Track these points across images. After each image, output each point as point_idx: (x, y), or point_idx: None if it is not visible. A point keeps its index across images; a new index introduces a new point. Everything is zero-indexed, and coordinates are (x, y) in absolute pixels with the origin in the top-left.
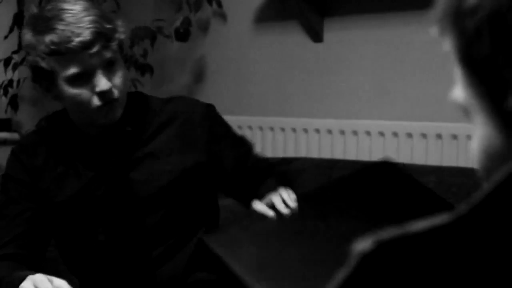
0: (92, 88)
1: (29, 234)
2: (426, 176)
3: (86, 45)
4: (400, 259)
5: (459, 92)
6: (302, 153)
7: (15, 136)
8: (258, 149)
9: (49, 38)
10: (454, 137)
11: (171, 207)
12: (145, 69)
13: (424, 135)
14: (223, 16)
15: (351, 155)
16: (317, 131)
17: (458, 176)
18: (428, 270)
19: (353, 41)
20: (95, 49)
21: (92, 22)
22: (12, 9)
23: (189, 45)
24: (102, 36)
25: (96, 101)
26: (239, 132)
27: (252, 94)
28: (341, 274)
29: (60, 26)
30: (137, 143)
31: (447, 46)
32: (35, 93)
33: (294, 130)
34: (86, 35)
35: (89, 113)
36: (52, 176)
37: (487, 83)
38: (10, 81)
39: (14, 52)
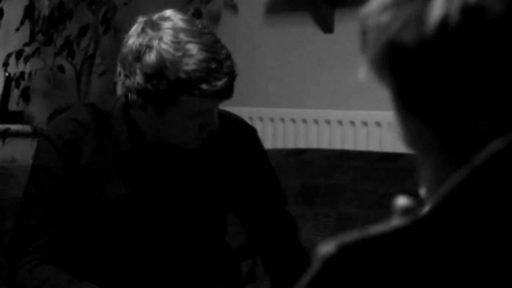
0: (201, 123)
1: (59, 237)
2: None
3: (225, 92)
4: (361, 262)
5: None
6: (313, 144)
7: (27, 128)
8: (269, 140)
9: (189, 78)
10: None
11: (202, 224)
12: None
13: None
14: (234, 8)
15: (362, 146)
16: (328, 122)
17: None
18: (388, 272)
19: None
20: (228, 96)
21: (230, 67)
22: (23, 1)
23: None
24: (233, 81)
25: (198, 134)
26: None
27: (263, 85)
28: (305, 278)
29: (202, 68)
30: (195, 164)
31: (387, 90)
32: (47, 85)
33: (304, 121)
34: (225, 83)
35: (184, 140)
36: (97, 178)
37: (440, 116)
38: (22, 74)
39: (26, 45)
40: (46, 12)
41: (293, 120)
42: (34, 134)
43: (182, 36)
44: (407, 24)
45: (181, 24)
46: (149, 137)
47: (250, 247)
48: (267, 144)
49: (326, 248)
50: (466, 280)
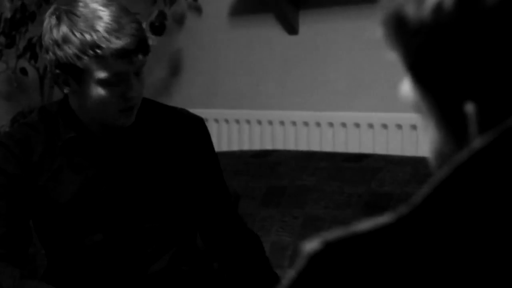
0: (120, 91)
1: (14, 233)
2: (402, 167)
3: (130, 52)
4: (346, 259)
5: (408, 89)
6: (279, 145)
7: None
8: (235, 142)
9: (92, 39)
10: None
11: (165, 210)
12: None
13: (399, 126)
14: (198, 10)
15: (328, 147)
16: (294, 123)
17: None
18: (372, 269)
19: (328, 33)
20: (137, 57)
21: (136, 29)
22: None
23: (164, 39)
24: (143, 44)
25: (121, 104)
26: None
27: (228, 87)
28: (289, 275)
29: (103, 28)
30: (140, 149)
31: (394, 55)
32: (10, 88)
33: (270, 122)
34: (131, 43)
35: (109, 114)
36: (49, 171)
37: (436, 93)
38: None
39: None
40: (8, 14)
41: (259, 122)
42: None
43: (89, 5)
44: (412, 0)
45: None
46: (87, 123)
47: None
48: (233, 146)
49: (311, 245)
50: (451, 275)
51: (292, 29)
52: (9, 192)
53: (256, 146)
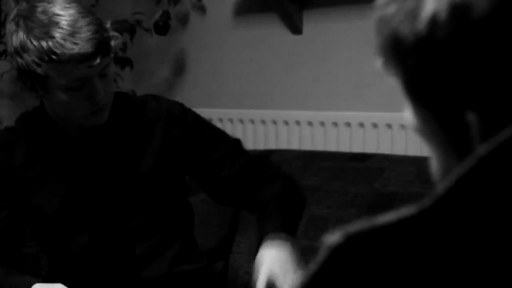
0: (86, 95)
1: (4, 234)
2: (406, 167)
3: (87, 57)
4: (367, 252)
5: (410, 115)
6: (283, 145)
7: None
8: None
9: (47, 45)
10: None
11: (151, 206)
12: (125, 63)
13: (403, 126)
14: (202, 9)
15: (332, 147)
16: (298, 123)
17: None
18: (394, 261)
19: (332, 33)
20: (96, 61)
21: (93, 32)
22: None
23: (168, 39)
24: (102, 47)
25: (88, 107)
26: (219, 125)
27: (232, 86)
28: (311, 267)
29: (59, 34)
30: (120, 145)
31: (393, 80)
32: (15, 88)
33: (274, 122)
34: (88, 47)
35: (78, 117)
36: (31, 177)
37: (436, 108)
38: None
39: None
40: (12, 14)
41: (263, 121)
42: None
43: (46, 11)
44: (406, 18)
45: (47, 5)
46: (63, 125)
47: (222, 249)
48: None
49: (332, 238)
50: (471, 268)
51: (296, 29)
52: None
53: (260, 146)
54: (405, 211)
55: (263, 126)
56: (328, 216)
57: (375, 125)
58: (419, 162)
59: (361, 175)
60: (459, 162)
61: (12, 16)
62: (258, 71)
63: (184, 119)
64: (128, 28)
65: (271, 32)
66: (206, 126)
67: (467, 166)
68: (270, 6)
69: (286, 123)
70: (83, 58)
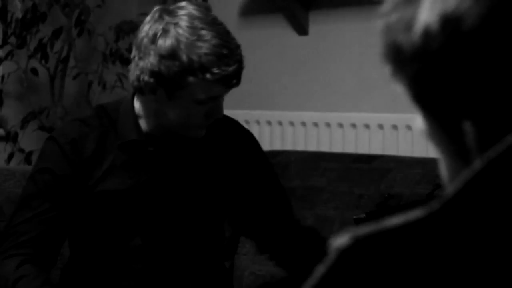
0: (207, 110)
1: (48, 235)
2: (412, 168)
3: (232, 78)
4: (376, 254)
5: (420, 121)
6: (289, 146)
7: (0, 131)
8: None
9: (201, 62)
10: None
11: (205, 224)
12: (130, 63)
13: (409, 127)
14: (207, 10)
15: (337, 148)
16: (303, 124)
17: None
18: (403, 264)
19: (338, 34)
20: (233, 82)
21: (241, 55)
22: None
23: None
24: (242, 69)
25: (204, 121)
26: None
27: (237, 87)
28: (319, 270)
29: (213, 52)
30: (193, 158)
31: (399, 87)
32: (20, 89)
33: (280, 123)
34: (235, 69)
35: (187, 127)
36: (101, 170)
37: (437, 115)
38: None
39: None
40: (19, 14)
41: (268, 122)
42: (7, 137)
43: (197, 23)
44: (403, 28)
45: (195, 13)
46: (151, 128)
47: (228, 249)
48: None
49: (341, 240)
50: (480, 271)
51: (301, 30)
52: (54, 193)
53: (266, 147)
54: (414, 213)
55: (269, 127)
56: (334, 217)
57: (381, 126)
58: (425, 163)
59: (367, 177)
60: (466, 167)
61: (156, 17)
62: (264, 72)
63: (257, 148)
64: (134, 29)
65: (276, 33)
66: (270, 164)
67: (476, 169)
68: (276, 7)
69: (291, 124)
70: (230, 79)
